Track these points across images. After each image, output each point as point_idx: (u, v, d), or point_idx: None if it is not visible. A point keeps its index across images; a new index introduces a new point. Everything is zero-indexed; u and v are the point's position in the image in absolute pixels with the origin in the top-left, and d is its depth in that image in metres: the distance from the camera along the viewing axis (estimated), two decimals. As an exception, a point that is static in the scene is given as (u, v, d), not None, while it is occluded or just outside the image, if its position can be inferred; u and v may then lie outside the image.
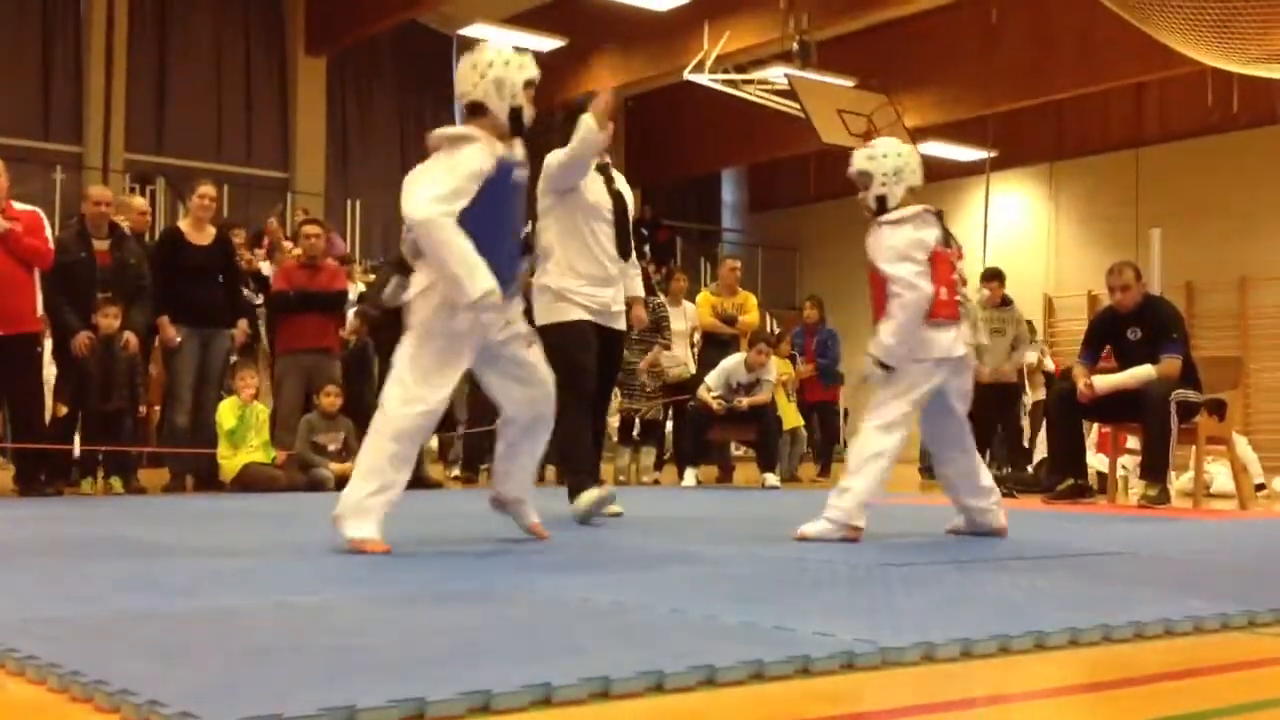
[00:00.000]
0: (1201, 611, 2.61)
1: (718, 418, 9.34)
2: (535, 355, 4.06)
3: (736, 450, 11.70)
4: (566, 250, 5.35)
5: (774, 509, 6.61)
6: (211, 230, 8.27)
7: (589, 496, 5.12)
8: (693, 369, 10.09)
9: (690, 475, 9.43)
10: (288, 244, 10.26)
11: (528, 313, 4.32)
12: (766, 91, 15.47)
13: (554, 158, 5.24)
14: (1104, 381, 7.12)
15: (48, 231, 7.40)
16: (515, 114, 3.98)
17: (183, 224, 8.35)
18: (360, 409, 8.83)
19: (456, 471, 10.03)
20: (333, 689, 1.75)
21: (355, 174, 17.88)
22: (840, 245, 20.36)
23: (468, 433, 9.16)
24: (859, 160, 4.62)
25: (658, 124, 19.37)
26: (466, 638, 2.27)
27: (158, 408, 8.83)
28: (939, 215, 4.59)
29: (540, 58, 4.23)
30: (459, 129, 3.96)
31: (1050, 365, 11.54)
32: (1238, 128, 15.93)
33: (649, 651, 2.06)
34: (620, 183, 5.56)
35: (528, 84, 3.99)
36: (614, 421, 9.84)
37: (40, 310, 7.41)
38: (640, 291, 5.94)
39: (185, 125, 16.59)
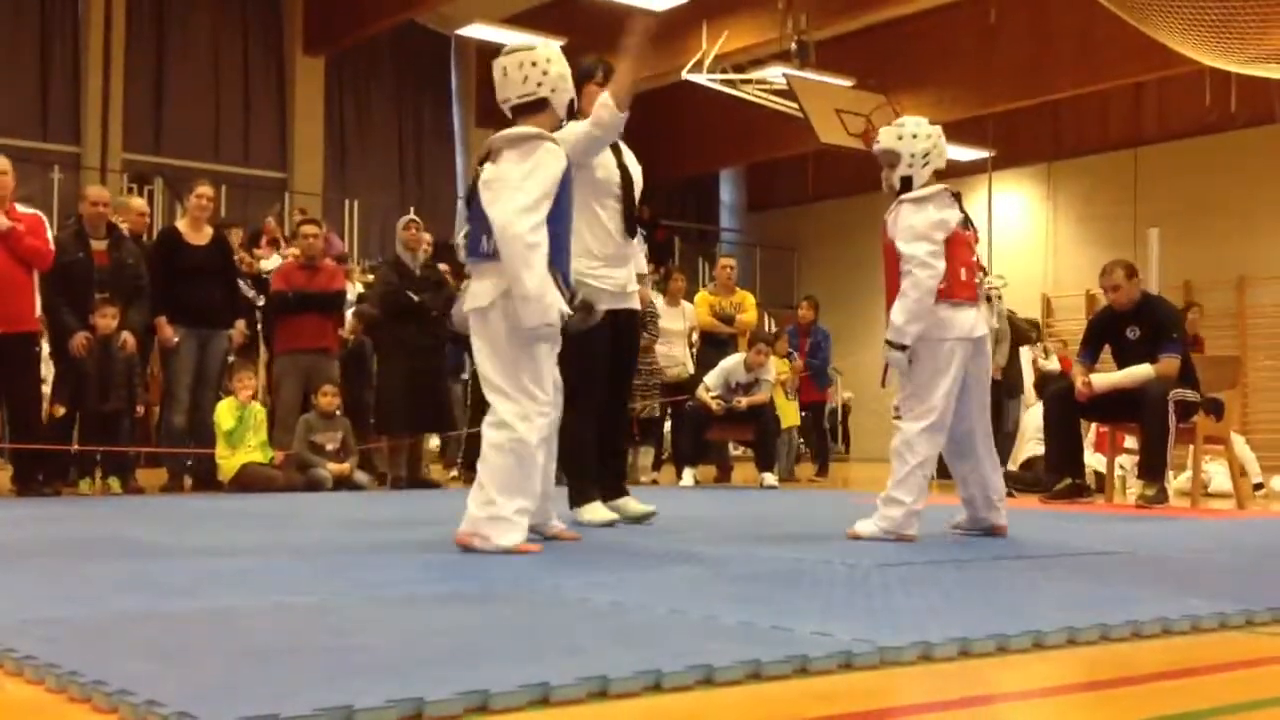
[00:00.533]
0: (1199, 611, 2.62)
1: (716, 418, 9.35)
2: (554, 363, 4.04)
3: (735, 450, 11.70)
4: (579, 228, 4.97)
5: (772, 509, 6.62)
6: (209, 230, 8.27)
7: (595, 514, 5.02)
8: (691, 369, 10.10)
9: (688, 475, 9.44)
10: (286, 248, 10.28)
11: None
12: (765, 91, 15.47)
13: (570, 133, 4.78)
14: (1102, 381, 7.13)
15: (49, 234, 7.41)
16: (571, 105, 4.10)
17: (180, 224, 8.36)
18: (358, 409, 8.86)
19: (456, 471, 10.03)
20: (331, 689, 1.75)
21: (353, 174, 17.87)
22: (838, 245, 20.41)
23: (468, 432, 9.15)
24: (887, 138, 4.55)
25: (656, 124, 19.32)
26: (465, 638, 2.27)
27: (156, 408, 8.83)
28: (957, 196, 4.56)
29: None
30: (526, 130, 3.95)
31: (1056, 365, 11.44)
32: (1236, 127, 15.93)
33: (647, 651, 2.06)
34: (628, 157, 5.31)
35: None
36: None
37: (38, 311, 7.42)
38: (645, 269, 5.69)
39: (183, 125, 16.58)
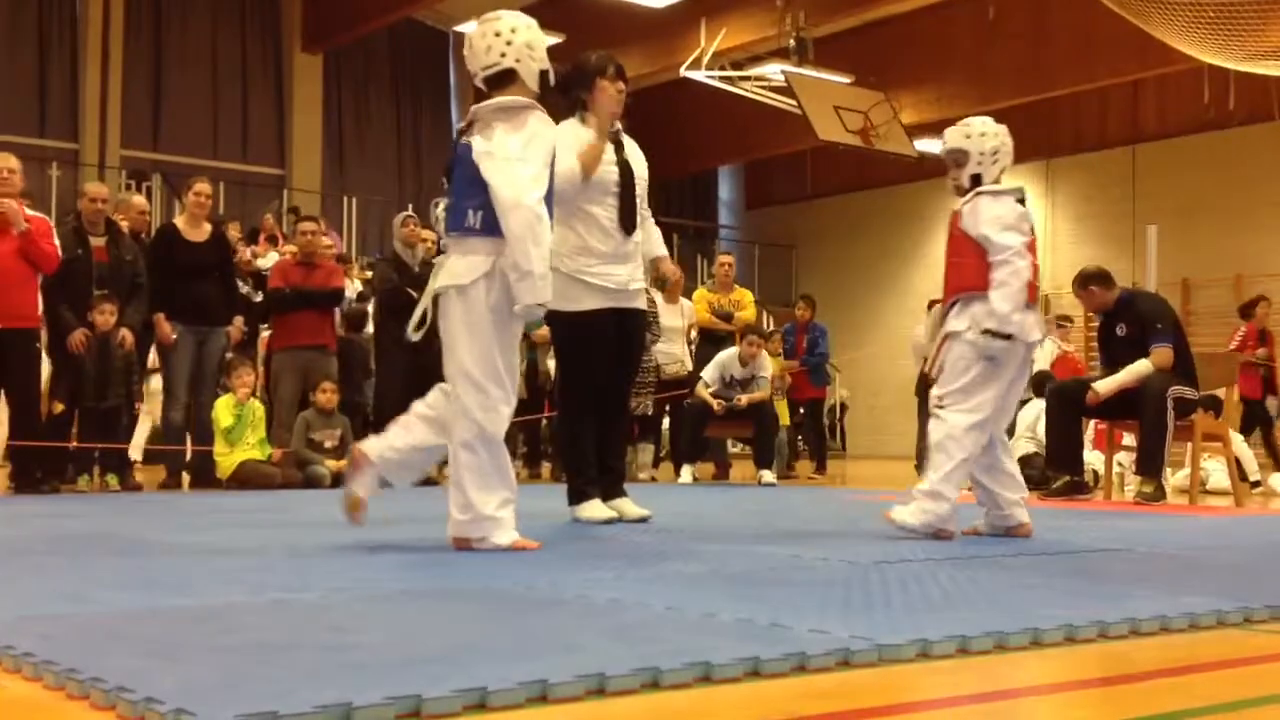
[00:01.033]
0: (1197, 608, 2.62)
1: (717, 416, 9.36)
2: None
3: (733, 447, 11.70)
4: (575, 227, 5.03)
5: (770, 506, 6.62)
6: (207, 227, 8.26)
7: (594, 512, 5.01)
8: (689, 366, 10.10)
9: (687, 472, 9.44)
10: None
11: None
12: (763, 88, 15.47)
13: (562, 163, 4.97)
14: (1106, 386, 7.12)
15: (55, 238, 7.41)
16: (544, 76, 3.93)
17: (179, 221, 8.35)
18: (357, 406, 8.85)
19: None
20: (329, 686, 1.75)
21: (352, 171, 17.87)
22: (837, 242, 20.43)
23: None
24: (954, 138, 4.53)
25: (654, 121, 19.32)
26: (463, 635, 2.27)
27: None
28: (1021, 200, 4.53)
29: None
30: (514, 99, 3.80)
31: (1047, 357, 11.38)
32: (1234, 124, 15.95)
33: (645, 649, 2.06)
34: (630, 150, 5.22)
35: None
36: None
37: (40, 308, 7.42)
38: (663, 250, 5.51)
39: (181, 122, 16.58)
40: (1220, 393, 7.85)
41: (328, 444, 8.19)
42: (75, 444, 7.82)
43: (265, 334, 9.51)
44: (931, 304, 10.86)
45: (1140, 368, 7.01)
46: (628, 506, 5.19)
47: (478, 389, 3.66)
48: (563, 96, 5.16)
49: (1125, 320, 7.23)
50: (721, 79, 15.37)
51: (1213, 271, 16.31)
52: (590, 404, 5.23)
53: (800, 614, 2.46)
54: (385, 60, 18.36)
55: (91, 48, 15.96)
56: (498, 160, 3.66)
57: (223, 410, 8.00)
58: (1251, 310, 11.14)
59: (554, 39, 16.13)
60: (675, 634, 2.27)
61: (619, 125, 5.23)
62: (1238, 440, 8.68)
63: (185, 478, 8.29)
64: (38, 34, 15.81)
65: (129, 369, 7.72)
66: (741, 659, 1.99)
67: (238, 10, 17.21)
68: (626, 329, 5.19)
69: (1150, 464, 6.97)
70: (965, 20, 16.14)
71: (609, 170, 5.08)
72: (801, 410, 11.64)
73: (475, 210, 3.68)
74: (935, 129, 17.19)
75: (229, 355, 8.37)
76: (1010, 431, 10.47)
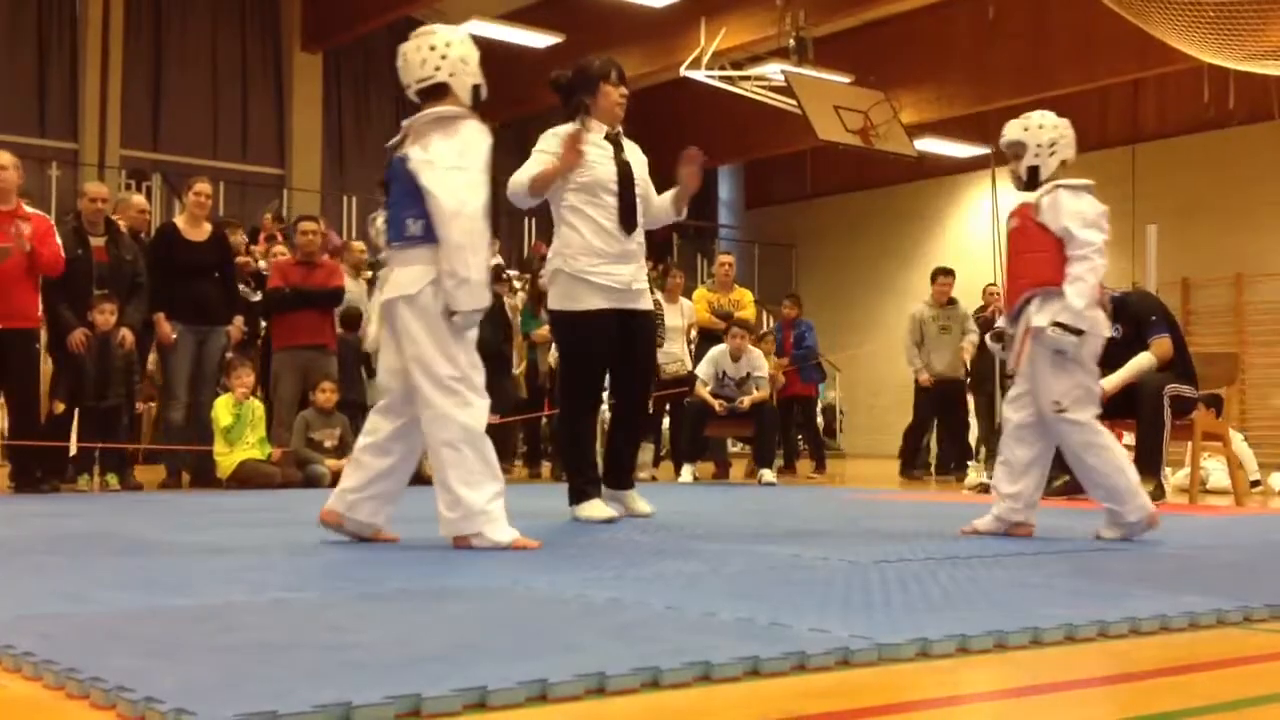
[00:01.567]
0: (1197, 607, 2.62)
1: (716, 415, 9.37)
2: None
3: (733, 447, 11.70)
4: (577, 227, 5.05)
5: (770, 505, 6.62)
6: (207, 227, 8.27)
7: (594, 512, 5.01)
8: (690, 366, 10.12)
9: (687, 471, 9.45)
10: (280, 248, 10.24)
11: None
12: (763, 88, 15.46)
13: (534, 160, 5.04)
14: (1111, 381, 7.11)
15: (56, 237, 7.40)
16: (476, 90, 3.92)
17: (178, 221, 8.35)
18: (357, 405, 8.83)
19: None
20: (329, 686, 1.75)
21: (352, 170, 17.86)
22: (837, 241, 20.42)
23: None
24: (1012, 131, 4.52)
25: (654, 121, 19.31)
26: (462, 635, 2.27)
27: (154, 404, 8.83)
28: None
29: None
30: (447, 109, 3.82)
31: None
32: (1234, 124, 15.93)
33: (645, 648, 2.06)
34: (630, 151, 5.26)
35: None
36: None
37: (40, 308, 7.43)
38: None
39: (181, 122, 16.58)
40: (1221, 391, 7.85)
41: (327, 443, 8.20)
42: (75, 444, 7.82)
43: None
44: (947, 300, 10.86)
45: (1142, 361, 7.01)
46: (634, 500, 5.21)
47: (449, 391, 3.69)
48: (565, 101, 5.19)
49: (1119, 322, 7.21)
50: (721, 79, 15.36)
51: (1212, 271, 16.30)
52: (590, 404, 5.23)
53: (800, 613, 2.46)
54: (385, 60, 18.29)
55: (91, 48, 15.95)
56: (438, 169, 3.69)
57: (222, 410, 8.00)
58: None
59: (554, 39, 16.21)
60: (675, 633, 2.27)
61: (619, 128, 5.26)
62: (1238, 439, 8.68)
63: (185, 477, 8.29)
64: (38, 34, 15.80)
65: (129, 369, 7.73)
66: (741, 658, 1.99)
67: (237, 10, 17.20)
68: (631, 330, 5.16)
69: (1149, 462, 6.96)
70: (965, 20, 16.13)
71: (607, 168, 5.08)
72: (795, 406, 11.63)
73: (415, 219, 3.72)
74: (935, 128, 17.23)
75: (229, 355, 8.37)
76: (961, 433, 10.54)
